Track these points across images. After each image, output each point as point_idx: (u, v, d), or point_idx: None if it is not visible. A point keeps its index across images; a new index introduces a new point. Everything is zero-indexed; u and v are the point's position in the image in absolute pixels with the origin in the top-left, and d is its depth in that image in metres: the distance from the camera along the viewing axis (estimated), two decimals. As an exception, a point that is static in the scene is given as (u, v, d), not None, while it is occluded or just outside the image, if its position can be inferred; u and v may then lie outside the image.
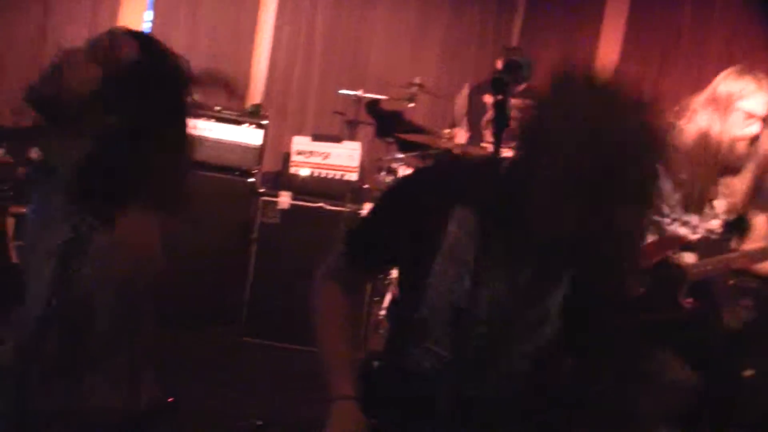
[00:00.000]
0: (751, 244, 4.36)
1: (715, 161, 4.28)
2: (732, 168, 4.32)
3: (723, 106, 4.24)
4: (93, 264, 2.48)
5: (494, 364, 2.40)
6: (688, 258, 4.41)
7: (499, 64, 7.47)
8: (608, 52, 7.82)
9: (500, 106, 2.13)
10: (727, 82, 4.27)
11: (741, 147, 4.23)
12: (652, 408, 2.11)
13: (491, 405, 2.43)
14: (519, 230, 2.31)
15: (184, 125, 2.68)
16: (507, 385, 2.44)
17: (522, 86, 5.92)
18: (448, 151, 6.58)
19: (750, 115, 4.19)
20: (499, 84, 2.13)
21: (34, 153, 5.88)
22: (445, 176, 2.62)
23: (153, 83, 2.58)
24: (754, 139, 4.26)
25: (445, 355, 2.43)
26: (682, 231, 4.45)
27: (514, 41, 8.32)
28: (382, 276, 6.47)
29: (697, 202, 4.40)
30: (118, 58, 2.56)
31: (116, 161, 2.51)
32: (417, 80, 7.00)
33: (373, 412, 2.49)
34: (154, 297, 2.73)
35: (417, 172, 2.73)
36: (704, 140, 4.29)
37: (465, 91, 7.51)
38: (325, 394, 2.50)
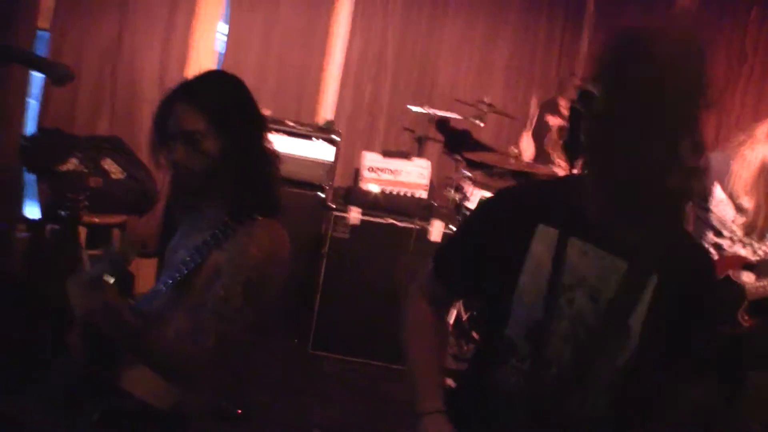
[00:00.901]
0: None
1: None
2: None
3: None
4: (227, 248, 2.83)
5: (577, 382, 2.41)
6: (748, 278, 4.45)
7: (563, 87, 7.54)
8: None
9: (575, 135, 2.17)
10: None
11: None
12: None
13: (575, 423, 2.44)
14: (600, 241, 2.38)
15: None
16: (590, 403, 2.45)
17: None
18: (521, 172, 6.62)
19: None
20: (574, 114, 2.17)
21: (107, 164, 6.01)
22: (528, 195, 2.67)
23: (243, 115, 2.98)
24: None
25: (530, 372, 2.46)
26: (743, 252, 4.49)
27: (581, 60, 8.32)
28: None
29: (759, 231, 4.45)
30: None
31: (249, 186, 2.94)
32: (486, 99, 7.04)
33: (458, 426, 2.53)
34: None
35: (500, 192, 2.78)
36: (766, 171, 4.35)
37: (534, 102, 7.60)
38: (413, 409, 2.57)
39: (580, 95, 2.19)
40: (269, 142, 3.08)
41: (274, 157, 3.09)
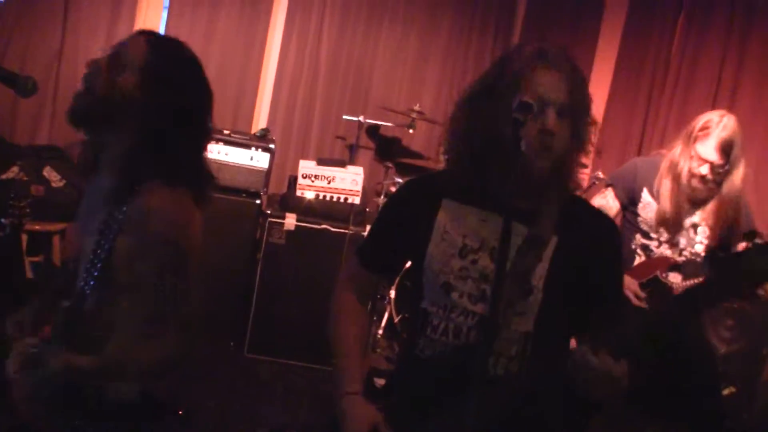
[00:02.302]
0: None
1: (680, 189, 4.59)
2: (697, 200, 4.61)
3: (686, 140, 4.58)
4: (129, 231, 2.64)
5: (487, 345, 2.48)
6: (675, 278, 4.69)
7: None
8: (600, 86, 8.01)
9: (516, 144, 2.37)
10: (698, 123, 4.59)
11: (695, 183, 4.55)
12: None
13: (492, 384, 2.51)
14: (500, 209, 2.52)
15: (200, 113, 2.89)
16: (504, 363, 2.61)
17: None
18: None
19: (700, 158, 4.50)
20: (515, 124, 2.36)
21: (48, 172, 6.10)
22: (432, 179, 2.96)
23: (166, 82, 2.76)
24: (712, 180, 4.55)
25: (443, 341, 2.66)
26: (669, 253, 4.71)
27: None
28: (380, 296, 6.68)
29: (670, 224, 4.66)
30: (138, 62, 2.74)
31: (148, 149, 2.71)
32: (416, 107, 7.19)
33: (388, 404, 2.71)
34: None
35: (408, 180, 3.07)
36: (672, 170, 4.60)
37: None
38: (334, 391, 2.74)
39: (519, 105, 2.38)
40: (202, 121, 2.88)
41: (199, 132, 2.88)
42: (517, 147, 2.36)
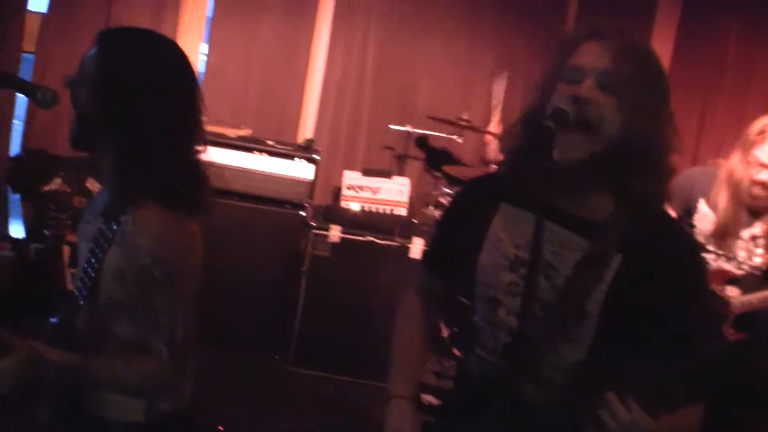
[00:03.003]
0: None
1: (739, 199, 4.43)
2: (757, 210, 4.45)
3: (743, 147, 4.42)
4: (118, 246, 2.50)
5: (530, 370, 2.37)
6: (732, 292, 4.52)
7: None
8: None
9: (548, 152, 2.19)
10: (755, 127, 4.43)
11: (756, 191, 4.38)
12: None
13: (539, 409, 2.39)
14: (561, 219, 2.35)
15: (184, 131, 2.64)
16: (552, 389, 2.39)
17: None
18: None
19: (759, 164, 4.33)
20: (546, 131, 2.19)
21: (90, 183, 6.06)
22: (492, 179, 2.74)
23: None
24: None
25: (488, 360, 2.49)
26: (727, 267, 4.55)
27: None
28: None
29: (729, 236, 4.51)
30: (92, 73, 2.54)
31: (131, 162, 2.53)
32: (465, 116, 7.09)
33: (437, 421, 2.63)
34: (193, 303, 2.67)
35: (469, 179, 2.85)
36: (730, 178, 4.45)
37: (503, 81, 7.64)
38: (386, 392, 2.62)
39: (554, 113, 2.21)
40: (184, 123, 2.63)
41: (182, 136, 2.63)
42: (549, 157, 2.17)
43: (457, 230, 2.66)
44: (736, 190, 4.44)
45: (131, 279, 2.51)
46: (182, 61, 2.67)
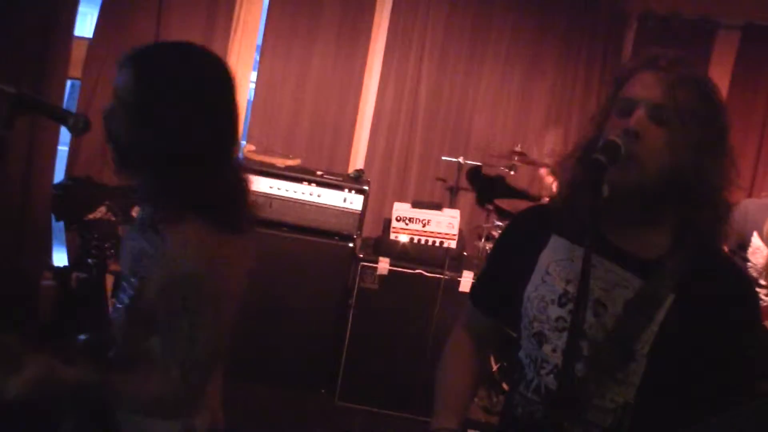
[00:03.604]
0: None
1: None
2: None
3: None
4: (158, 264, 2.47)
5: (584, 407, 2.25)
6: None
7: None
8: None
9: (597, 187, 2.08)
10: None
11: None
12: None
13: None
14: (614, 255, 2.28)
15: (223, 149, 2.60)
16: (598, 429, 2.27)
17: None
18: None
19: None
20: (597, 165, 2.09)
21: (135, 212, 6.02)
22: (543, 210, 2.61)
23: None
24: None
25: (533, 399, 2.39)
26: (779, 302, 4.43)
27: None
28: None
29: None
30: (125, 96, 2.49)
31: (172, 182, 2.48)
32: (518, 148, 7.02)
33: None
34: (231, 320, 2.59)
35: (520, 211, 2.76)
36: None
37: (558, 131, 7.55)
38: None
39: (604, 146, 2.11)
40: (231, 140, 2.61)
41: (221, 156, 2.59)
42: (599, 194, 2.04)
43: (506, 263, 2.60)
44: None
45: (165, 297, 2.45)
46: (216, 70, 2.61)
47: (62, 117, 2.86)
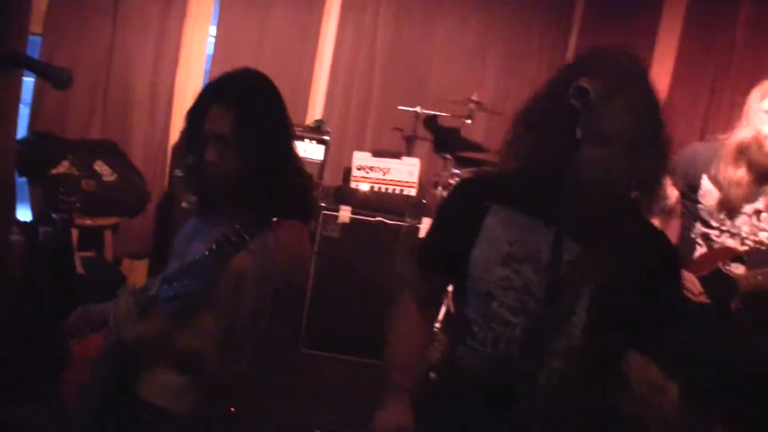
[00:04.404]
0: None
1: (750, 165, 4.41)
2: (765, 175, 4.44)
3: (749, 111, 4.42)
4: (253, 252, 2.72)
5: (527, 359, 2.49)
6: (738, 269, 4.51)
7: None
8: (662, 73, 7.83)
9: (571, 130, 2.24)
10: (755, 91, 4.43)
11: None
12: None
13: (533, 399, 2.52)
14: (551, 221, 2.49)
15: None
16: (544, 379, 2.51)
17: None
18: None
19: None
20: (569, 110, 2.24)
21: (99, 166, 6.06)
22: (487, 179, 2.90)
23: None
24: None
25: (482, 351, 2.57)
26: (731, 243, 4.53)
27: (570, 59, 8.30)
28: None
29: (731, 209, 4.50)
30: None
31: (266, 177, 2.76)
32: (474, 97, 7.06)
33: (428, 412, 2.66)
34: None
35: (461, 180, 2.96)
36: (739, 150, 4.42)
37: None
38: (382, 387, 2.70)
39: (577, 91, 2.25)
40: (295, 145, 2.96)
41: (298, 160, 2.96)
42: (572, 136, 2.27)
43: (450, 229, 2.76)
44: (747, 157, 4.43)
45: (254, 286, 2.72)
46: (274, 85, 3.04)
47: (45, 71, 2.93)
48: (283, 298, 2.74)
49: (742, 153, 4.42)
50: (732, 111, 7.40)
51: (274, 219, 2.74)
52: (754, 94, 4.45)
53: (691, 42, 7.77)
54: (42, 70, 2.96)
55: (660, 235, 2.73)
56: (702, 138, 7.33)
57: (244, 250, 2.72)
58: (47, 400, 3.44)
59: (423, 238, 3.06)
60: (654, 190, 2.53)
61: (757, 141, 4.36)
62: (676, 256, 2.75)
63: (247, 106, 2.77)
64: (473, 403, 2.57)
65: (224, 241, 2.73)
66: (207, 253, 2.75)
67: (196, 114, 2.81)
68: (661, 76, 7.70)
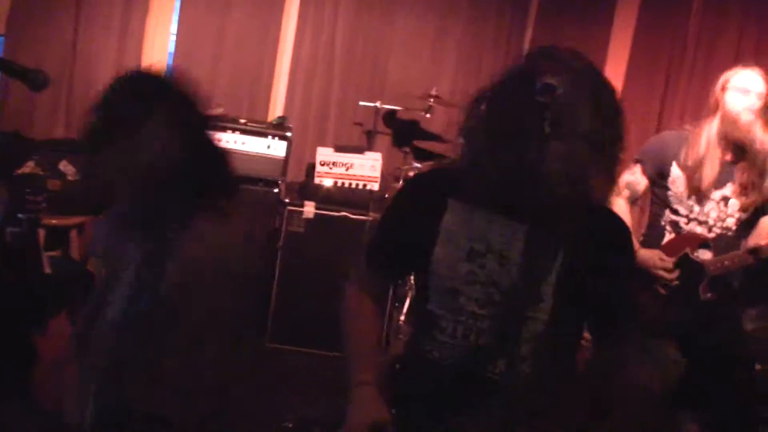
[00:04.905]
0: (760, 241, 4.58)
1: (725, 141, 4.51)
2: (742, 148, 4.53)
3: (719, 94, 4.51)
4: (182, 263, 2.61)
5: (499, 347, 2.52)
6: (705, 255, 4.60)
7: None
8: (617, 63, 7.94)
9: (541, 127, 2.30)
10: (722, 77, 4.54)
11: (745, 117, 4.47)
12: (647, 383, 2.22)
13: (501, 389, 2.53)
14: (508, 211, 2.52)
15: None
16: (514, 368, 2.54)
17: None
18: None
19: (744, 90, 4.44)
20: (537, 106, 2.30)
21: (63, 165, 6.07)
22: (438, 175, 2.87)
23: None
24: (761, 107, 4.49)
25: (452, 343, 2.59)
26: (699, 230, 4.63)
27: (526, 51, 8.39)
28: (402, 281, 6.62)
29: (699, 195, 4.60)
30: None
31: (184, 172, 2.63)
32: (433, 91, 7.13)
33: (395, 403, 2.63)
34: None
35: (413, 177, 2.99)
36: (714, 136, 4.53)
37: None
38: (348, 384, 2.65)
39: (543, 87, 2.30)
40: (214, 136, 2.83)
41: (217, 148, 2.82)
42: (542, 130, 2.27)
43: (405, 227, 2.75)
44: (725, 140, 4.52)
45: (191, 290, 2.62)
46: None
47: (21, 73, 2.93)
48: (226, 288, 2.66)
49: (709, 137, 4.54)
50: (687, 101, 7.58)
51: (195, 213, 2.63)
52: (720, 81, 4.57)
53: (646, 35, 7.90)
54: (18, 72, 2.95)
55: (612, 215, 2.79)
56: (659, 128, 7.46)
57: (170, 257, 2.62)
58: (20, 400, 3.45)
59: (373, 236, 2.99)
60: (614, 183, 2.55)
61: (732, 119, 4.48)
62: (628, 235, 2.80)
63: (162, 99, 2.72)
64: (447, 396, 2.59)
65: (154, 254, 2.66)
66: (143, 271, 2.68)
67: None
68: (617, 68, 7.83)
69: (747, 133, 4.48)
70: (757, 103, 4.46)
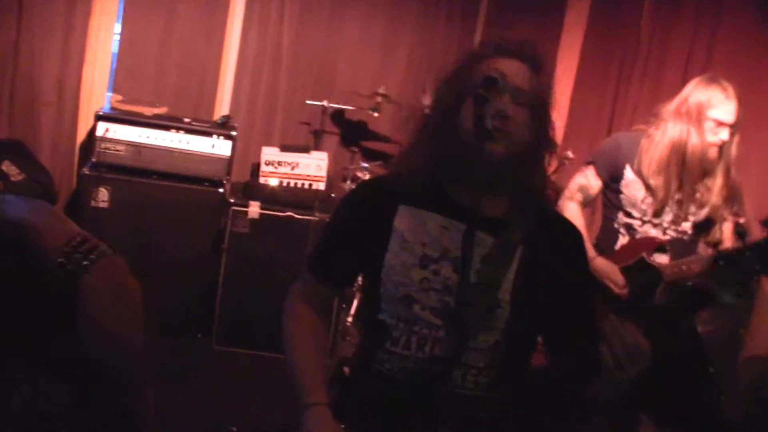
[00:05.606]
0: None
1: (692, 168, 4.48)
2: (705, 171, 4.51)
3: (695, 116, 4.45)
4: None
5: (454, 358, 2.48)
6: (661, 259, 4.59)
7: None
8: (567, 65, 7.95)
9: (481, 121, 2.29)
10: (696, 93, 4.48)
11: (713, 153, 4.46)
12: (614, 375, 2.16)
13: (460, 400, 2.50)
14: (461, 216, 2.50)
15: None
16: (471, 378, 2.51)
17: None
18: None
19: (719, 123, 4.41)
20: (480, 100, 2.28)
21: (6, 166, 5.98)
22: (388, 181, 2.76)
23: None
24: (724, 145, 4.47)
25: (406, 355, 2.53)
26: (653, 232, 4.61)
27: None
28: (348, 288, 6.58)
29: (666, 203, 4.57)
30: None
31: None
32: (381, 90, 7.10)
33: (345, 417, 2.59)
34: None
35: (360, 183, 2.99)
36: (678, 149, 4.49)
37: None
38: (296, 402, 2.60)
39: (486, 81, 2.29)
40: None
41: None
42: (482, 125, 2.29)
43: (352, 235, 2.70)
44: (682, 159, 4.49)
45: None
46: None
47: None
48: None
49: (682, 154, 4.50)
50: (638, 102, 7.59)
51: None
52: (698, 92, 4.49)
53: (597, 35, 7.92)
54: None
55: (565, 221, 2.79)
56: (610, 130, 7.46)
57: None
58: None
59: (317, 242, 2.88)
60: (553, 149, 2.57)
61: (704, 147, 4.45)
62: (582, 240, 2.78)
63: None
64: (401, 409, 2.53)
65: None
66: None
67: None
68: (568, 68, 7.84)
69: (712, 163, 4.49)
70: (727, 136, 4.45)
